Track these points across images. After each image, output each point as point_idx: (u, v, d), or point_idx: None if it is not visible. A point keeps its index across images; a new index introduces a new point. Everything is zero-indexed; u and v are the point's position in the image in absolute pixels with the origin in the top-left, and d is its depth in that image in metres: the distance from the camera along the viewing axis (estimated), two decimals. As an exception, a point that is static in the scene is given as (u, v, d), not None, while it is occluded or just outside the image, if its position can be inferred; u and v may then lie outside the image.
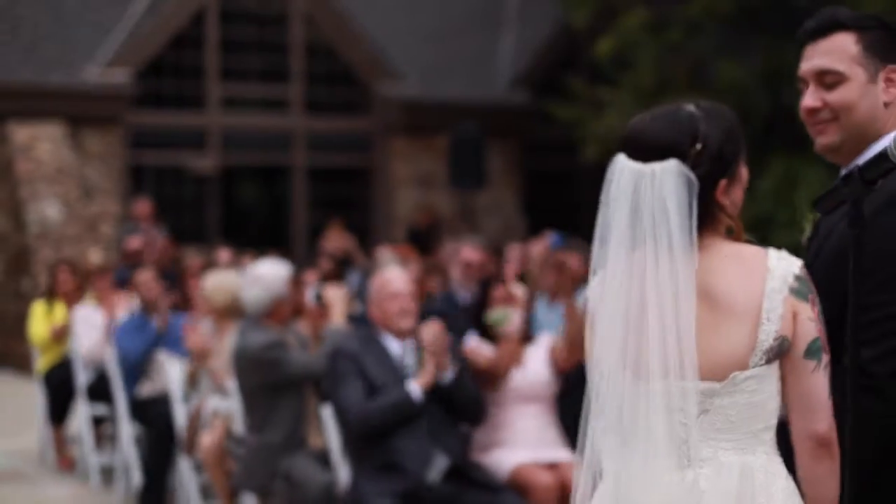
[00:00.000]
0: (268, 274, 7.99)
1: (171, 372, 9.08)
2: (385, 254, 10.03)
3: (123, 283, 11.42)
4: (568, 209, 21.56)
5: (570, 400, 7.54)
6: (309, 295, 8.34)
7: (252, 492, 7.93)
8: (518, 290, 7.29)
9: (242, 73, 20.57)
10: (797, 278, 3.12)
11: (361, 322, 8.59)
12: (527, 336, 7.58)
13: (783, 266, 3.13)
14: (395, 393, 6.91)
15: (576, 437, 7.37)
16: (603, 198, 3.14)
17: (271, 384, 7.72)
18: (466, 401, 7.11)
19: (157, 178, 20.00)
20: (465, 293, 9.54)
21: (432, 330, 6.91)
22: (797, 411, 3.13)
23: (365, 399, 6.92)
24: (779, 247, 3.19)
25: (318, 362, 7.64)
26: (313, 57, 20.80)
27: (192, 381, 8.86)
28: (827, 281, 3.24)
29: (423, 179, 20.83)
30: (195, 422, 8.71)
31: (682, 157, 3.08)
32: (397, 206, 20.74)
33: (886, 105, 3.45)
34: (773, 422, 3.14)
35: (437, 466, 6.90)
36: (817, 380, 3.12)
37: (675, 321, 3.06)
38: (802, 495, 3.14)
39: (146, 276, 10.09)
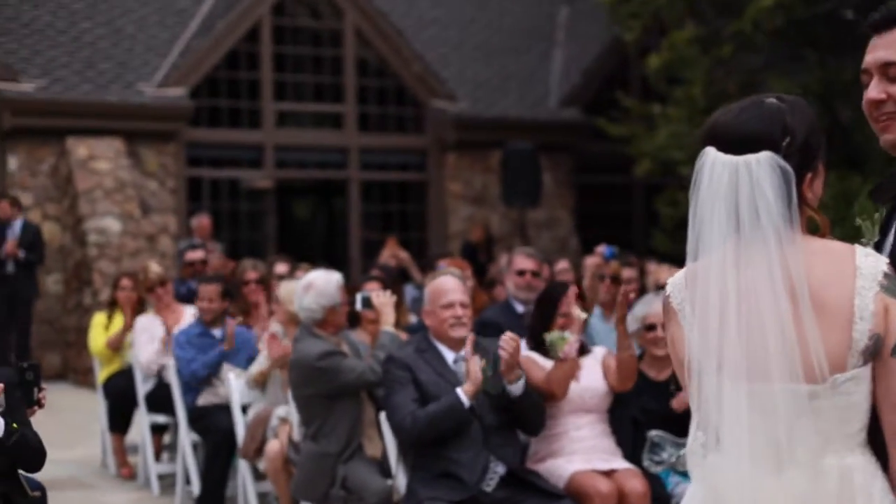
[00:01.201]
0: (320, 281, 8.06)
1: (232, 382, 9.23)
2: (445, 266, 10.13)
3: (182, 295, 11.60)
4: (620, 224, 21.66)
5: (624, 409, 7.64)
6: (357, 300, 8.40)
7: (309, 500, 8.02)
8: (578, 312, 7.32)
9: (297, 89, 20.77)
10: (886, 275, 3.04)
11: (417, 331, 8.68)
12: (582, 348, 7.62)
13: (871, 262, 3.06)
14: (444, 400, 6.98)
15: (629, 445, 7.45)
16: (693, 192, 3.10)
17: (326, 393, 7.80)
18: (530, 410, 7.16)
19: (214, 194, 20.21)
20: (520, 304, 9.62)
21: (511, 342, 6.93)
22: (889, 409, 3.04)
23: (417, 406, 7.02)
24: None
25: (372, 370, 7.73)
26: (366, 74, 20.98)
27: (262, 386, 8.98)
28: None
29: (477, 196, 20.96)
30: (258, 427, 8.81)
31: (774, 148, 3.05)
32: (451, 222, 20.86)
33: None
34: (867, 421, 3.08)
35: (494, 475, 6.98)
36: None
37: (780, 320, 3.01)
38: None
39: (211, 289, 10.23)
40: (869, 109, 3.43)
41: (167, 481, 10.85)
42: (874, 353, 3.03)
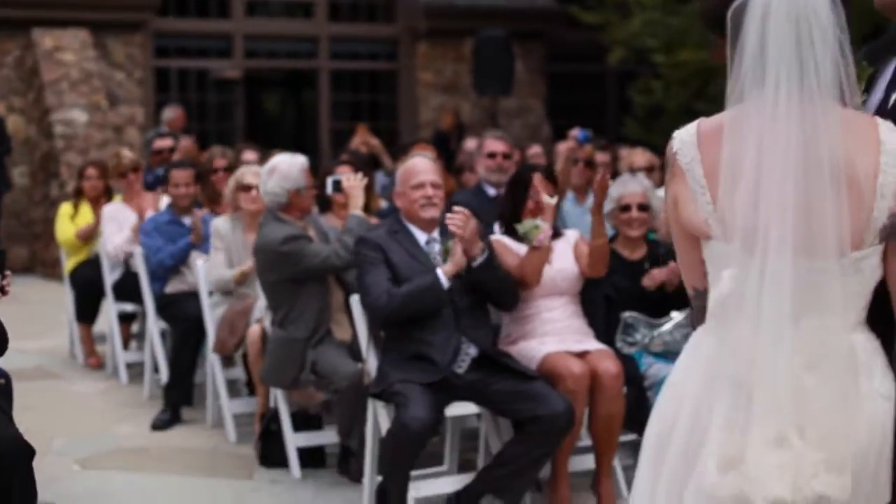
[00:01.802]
0: (283, 165, 7.89)
1: (200, 269, 9.08)
2: (412, 152, 9.97)
3: (149, 183, 11.41)
4: (593, 113, 21.50)
5: (597, 289, 7.55)
6: (328, 184, 8.25)
7: (279, 386, 7.94)
8: (549, 200, 7.19)
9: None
10: None
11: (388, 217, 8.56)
12: (554, 232, 7.51)
13: (894, 139, 2.96)
14: (423, 279, 6.88)
15: (602, 325, 7.38)
16: (739, 36, 2.92)
17: (291, 277, 7.67)
18: (498, 283, 7.06)
19: (182, 84, 19.97)
20: (491, 187, 9.51)
21: (461, 215, 6.85)
22: None
23: (390, 286, 6.91)
24: None
25: (337, 255, 7.60)
26: (337, -38, 20.70)
27: (242, 279, 8.81)
28: None
29: (448, 85, 20.75)
30: (239, 320, 8.65)
31: None
32: (422, 111, 20.67)
33: None
34: (869, 300, 3.02)
35: (466, 356, 6.91)
36: None
37: (807, 193, 2.90)
38: None
39: (184, 174, 10.02)
40: None
41: (135, 370, 10.77)
42: (891, 232, 2.95)
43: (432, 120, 20.26)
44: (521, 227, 7.19)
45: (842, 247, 2.91)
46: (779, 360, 2.95)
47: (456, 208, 6.91)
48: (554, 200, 7.21)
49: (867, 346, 3.02)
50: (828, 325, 2.97)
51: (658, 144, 13.35)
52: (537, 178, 7.36)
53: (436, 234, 7.16)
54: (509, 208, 7.54)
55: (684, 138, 3.07)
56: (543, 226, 7.12)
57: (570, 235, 7.60)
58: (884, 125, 2.96)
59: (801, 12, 2.88)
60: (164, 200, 10.53)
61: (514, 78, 19.18)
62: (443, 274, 6.88)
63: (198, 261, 9.27)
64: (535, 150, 12.89)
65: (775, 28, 2.89)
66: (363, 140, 13.79)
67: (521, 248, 7.35)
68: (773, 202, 2.90)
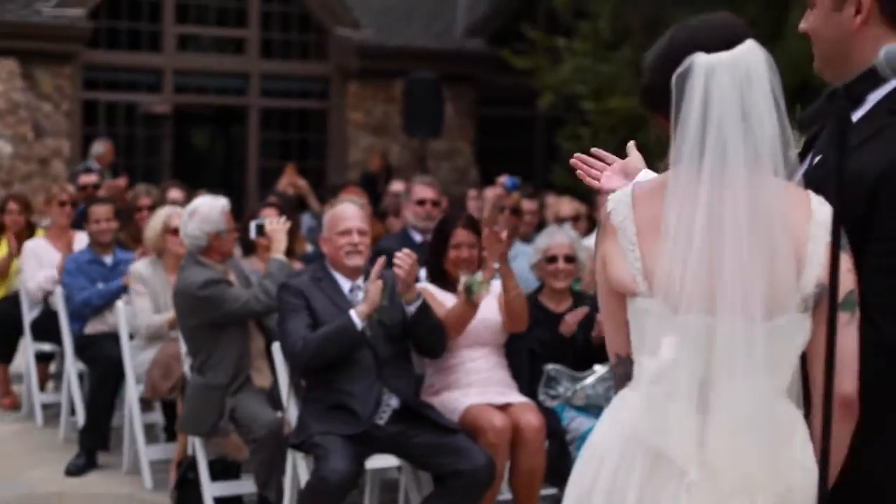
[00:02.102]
0: (204, 207, 7.79)
1: (121, 310, 8.93)
2: (341, 197, 9.90)
3: (74, 220, 11.24)
4: (521, 158, 21.53)
5: (521, 341, 7.51)
6: (251, 228, 8.17)
7: (197, 434, 7.82)
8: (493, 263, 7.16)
9: (199, 13, 20.35)
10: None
11: (313, 261, 8.49)
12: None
13: (824, 211, 2.92)
14: (337, 321, 6.81)
15: (526, 377, 7.36)
16: (682, 102, 2.89)
17: (211, 322, 7.57)
18: (430, 332, 7.03)
19: (110, 118, 19.78)
20: (418, 234, 9.47)
21: (407, 258, 6.82)
22: (822, 365, 2.86)
23: (308, 332, 6.83)
24: None
25: (258, 298, 7.52)
26: (270, 0, 20.61)
27: (175, 324, 8.66)
28: None
29: (378, 125, 20.72)
30: (173, 363, 8.49)
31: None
32: (351, 151, 20.62)
33: (856, 32, 3.25)
34: (795, 370, 2.97)
35: (387, 408, 6.84)
36: (848, 335, 2.92)
37: (741, 252, 2.86)
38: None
39: (104, 210, 9.87)
40: None
41: (52, 412, 10.58)
42: (816, 302, 2.91)
43: (361, 160, 20.22)
44: (468, 279, 7.12)
45: (770, 310, 2.88)
46: (696, 426, 2.91)
47: (405, 250, 6.88)
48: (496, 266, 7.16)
49: (790, 414, 2.98)
50: (751, 390, 2.91)
51: (585, 192, 13.38)
52: (486, 235, 7.28)
53: (360, 281, 7.10)
54: (433, 255, 7.52)
55: (620, 198, 3.04)
56: (493, 287, 7.10)
57: (496, 285, 7.56)
58: (815, 197, 2.95)
59: (745, 78, 2.87)
60: (84, 238, 10.37)
61: (443, 120, 19.20)
62: (356, 315, 6.81)
63: (118, 302, 9.11)
64: (473, 193, 12.91)
65: (720, 95, 2.87)
66: (290, 181, 13.71)
67: (446, 297, 7.31)
68: (703, 261, 2.88)
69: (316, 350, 6.76)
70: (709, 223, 2.87)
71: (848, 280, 2.91)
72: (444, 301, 7.32)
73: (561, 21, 19.30)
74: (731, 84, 2.85)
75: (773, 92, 2.86)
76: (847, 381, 2.92)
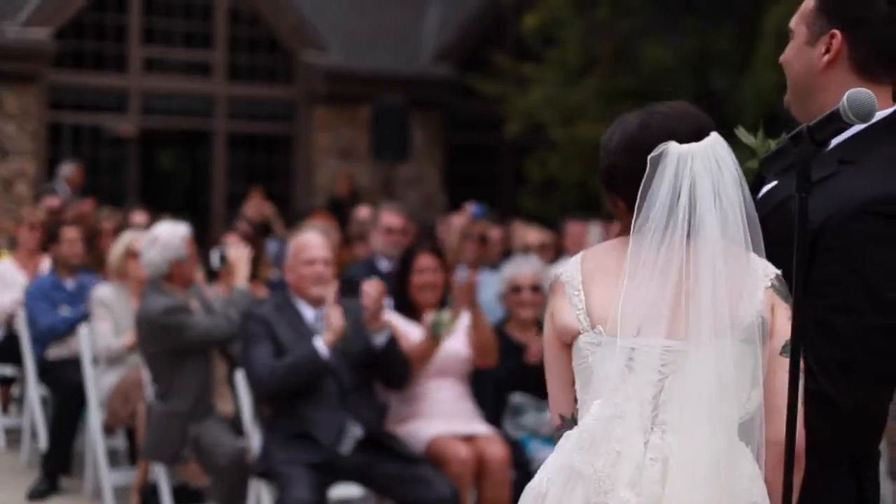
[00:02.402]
0: (164, 234, 7.78)
1: (83, 335, 8.86)
2: (311, 223, 9.88)
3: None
4: (488, 184, 21.54)
5: (487, 371, 7.50)
6: (213, 257, 8.14)
7: (160, 461, 7.77)
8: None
9: (165, 36, 20.29)
10: (777, 277, 3.04)
11: (278, 288, 8.46)
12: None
13: (762, 263, 3.05)
14: (301, 350, 6.80)
15: (491, 408, 7.35)
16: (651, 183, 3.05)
17: (173, 350, 7.54)
18: (396, 364, 7.02)
19: (75, 139, 19.67)
20: (385, 260, 9.45)
21: (374, 287, 6.81)
22: (767, 412, 2.98)
23: (273, 361, 6.80)
24: None
25: (220, 327, 7.49)
26: (237, 23, 20.57)
27: (134, 347, 8.60)
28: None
29: (345, 150, 20.68)
30: (133, 390, 8.44)
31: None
32: (318, 175, 20.57)
33: (823, 71, 3.29)
34: (749, 411, 3.00)
35: (350, 437, 6.81)
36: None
37: (684, 281, 3.00)
38: None
39: (72, 234, 9.76)
40: None
41: (14, 436, 10.49)
42: (758, 336, 2.98)
43: (328, 185, 20.16)
44: (434, 319, 7.11)
45: (716, 332, 2.94)
46: (639, 455, 2.95)
47: (374, 280, 6.86)
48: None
49: (737, 448, 2.99)
50: (706, 420, 2.95)
51: (552, 218, 13.40)
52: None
53: (324, 310, 7.07)
54: (397, 283, 7.51)
55: (569, 261, 3.22)
56: (457, 327, 7.09)
57: (464, 317, 7.53)
58: (754, 255, 3.05)
59: (715, 166, 3.03)
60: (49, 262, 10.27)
61: (410, 146, 19.19)
62: (322, 344, 6.78)
63: (81, 328, 9.02)
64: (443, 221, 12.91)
65: (692, 178, 3.03)
66: (256, 206, 13.67)
67: (410, 329, 7.29)
68: (665, 295, 2.98)
69: (283, 379, 6.74)
70: (677, 269, 3.00)
71: (788, 329, 2.98)
72: (408, 331, 7.31)
73: (529, 48, 19.31)
74: (704, 170, 3.02)
75: (739, 178, 3.03)
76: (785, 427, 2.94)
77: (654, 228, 3.03)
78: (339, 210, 16.86)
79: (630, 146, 3.12)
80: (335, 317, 6.82)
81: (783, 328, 3.01)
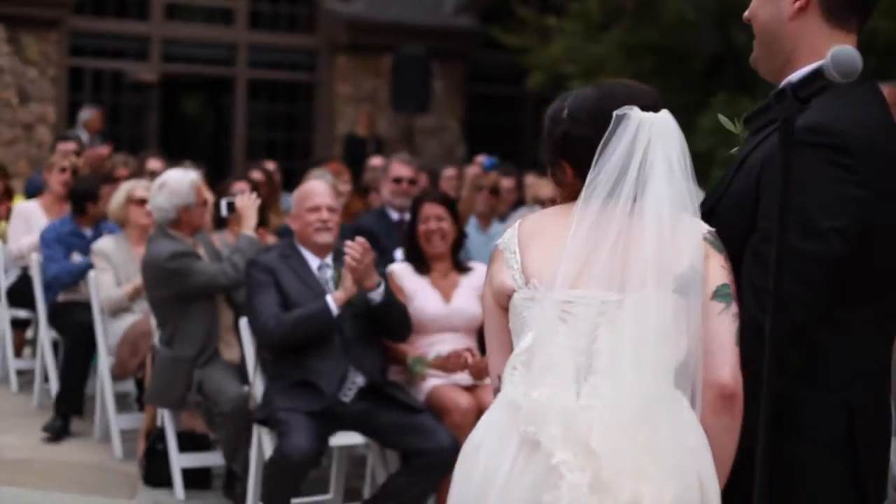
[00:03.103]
0: (173, 180, 7.79)
1: (92, 279, 8.89)
2: (314, 171, 9.84)
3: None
4: (509, 136, 21.50)
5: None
6: (222, 205, 8.15)
7: (165, 406, 7.82)
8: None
9: (187, -18, 20.28)
10: (710, 233, 3.13)
11: (285, 236, 8.47)
12: (459, 265, 7.48)
13: (695, 221, 3.15)
14: (312, 305, 6.80)
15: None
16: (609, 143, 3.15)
17: (179, 295, 7.57)
18: (394, 318, 7.00)
19: (96, 85, 19.70)
20: (395, 211, 9.44)
21: (357, 247, 6.77)
22: (703, 357, 3.04)
23: (279, 310, 6.81)
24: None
25: (225, 273, 7.51)
26: (260, -30, 20.54)
27: (136, 295, 8.63)
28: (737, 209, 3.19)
29: (366, 99, 20.65)
30: (140, 341, 8.47)
31: None
32: (339, 124, 20.55)
33: (791, 19, 3.29)
34: (682, 356, 3.05)
35: (353, 386, 6.83)
36: (722, 323, 3.07)
37: (621, 232, 3.09)
38: None
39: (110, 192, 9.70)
40: None
41: (26, 378, 10.56)
42: (689, 286, 3.06)
43: (349, 133, 20.16)
44: (412, 361, 7.13)
45: (652, 283, 3.02)
46: (571, 406, 3.00)
47: (358, 239, 6.82)
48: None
49: (673, 397, 3.04)
50: (638, 371, 3.01)
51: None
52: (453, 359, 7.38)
53: (328, 259, 7.08)
54: (408, 238, 7.50)
55: (508, 230, 3.31)
56: (472, 279, 7.11)
57: (477, 273, 7.48)
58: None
59: (667, 135, 3.15)
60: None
61: (431, 97, 19.16)
62: (333, 301, 6.78)
63: (91, 272, 9.05)
64: (449, 172, 12.81)
65: (646, 142, 3.14)
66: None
67: (419, 281, 7.29)
68: (581, 248, 3.09)
69: (289, 330, 6.75)
70: (618, 227, 3.10)
71: (720, 275, 3.10)
72: (416, 284, 7.32)
73: (552, 0, 19.23)
74: (659, 137, 3.14)
75: (684, 151, 3.15)
76: (720, 368, 3.04)
77: (604, 187, 3.12)
78: (360, 149, 16.83)
79: (593, 113, 3.23)
80: (350, 278, 6.80)
81: (716, 275, 3.10)
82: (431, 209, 7.38)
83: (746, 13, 3.40)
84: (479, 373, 7.08)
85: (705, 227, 3.14)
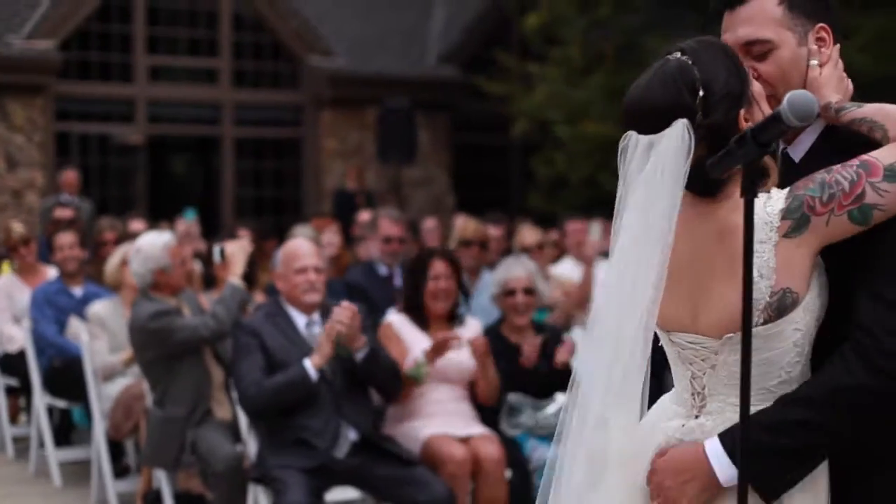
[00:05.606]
0: (145, 245, 7.86)
1: (83, 341, 8.89)
2: (300, 229, 9.88)
3: (48, 253, 11.16)
4: (497, 184, 21.59)
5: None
6: (214, 251, 8.19)
7: (160, 467, 7.83)
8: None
9: (170, 44, 20.36)
10: (785, 212, 2.92)
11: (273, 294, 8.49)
12: (455, 317, 7.51)
13: (767, 211, 2.94)
14: (291, 370, 6.80)
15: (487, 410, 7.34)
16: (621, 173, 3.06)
17: (166, 354, 7.60)
18: (382, 375, 7.01)
19: (83, 149, 19.74)
20: (384, 266, 9.48)
21: (346, 312, 6.78)
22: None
23: (263, 374, 6.81)
24: None
25: (207, 324, 7.52)
26: (242, 29, 20.63)
27: (132, 361, 8.64)
28: None
29: (353, 152, 20.74)
30: (134, 403, 8.48)
31: (687, 112, 2.97)
32: (326, 179, 20.63)
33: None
34: (795, 373, 2.97)
35: (345, 441, 6.84)
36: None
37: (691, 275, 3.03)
38: None
39: (69, 239, 9.82)
40: None
41: (23, 444, 10.53)
42: (784, 308, 2.92)
43: (336, 188, 20.22)
44: (410, 370, 7.15)
45: (714, 328, 3.01)
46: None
47: (343, 304, 6.84)
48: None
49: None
50: (723, 401, 3.05)
51: (561, 216, 13.40)
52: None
53: (316, 315, 7.10)
54: (411, 291, 7.49)
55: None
56: (427, 367, 7.14)
57: (470, 328, 7.52)
58: (760, 202, 2.96)
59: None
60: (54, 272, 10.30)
61: (417, 148, 19.23)
62: (311, 366, 6.79)
63: (81, 335, 9.02)
64: (430, 223, 12.84)
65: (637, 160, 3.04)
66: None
67: (418, 336, 7.31)
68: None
69: (270, 398, 6.76)
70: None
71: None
72: (414, 339, 7.33)
73: (534, 47, 19.36)
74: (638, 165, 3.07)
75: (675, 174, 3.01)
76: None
77: None
78: (349, 203, 16.85)
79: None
80: (327, 342, 6.82)
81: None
82: (441, 267, 7.40)
83: (772, 74, 3.18)
84: (482, 356, 7.19)
85: (775, 212, 2.95)
